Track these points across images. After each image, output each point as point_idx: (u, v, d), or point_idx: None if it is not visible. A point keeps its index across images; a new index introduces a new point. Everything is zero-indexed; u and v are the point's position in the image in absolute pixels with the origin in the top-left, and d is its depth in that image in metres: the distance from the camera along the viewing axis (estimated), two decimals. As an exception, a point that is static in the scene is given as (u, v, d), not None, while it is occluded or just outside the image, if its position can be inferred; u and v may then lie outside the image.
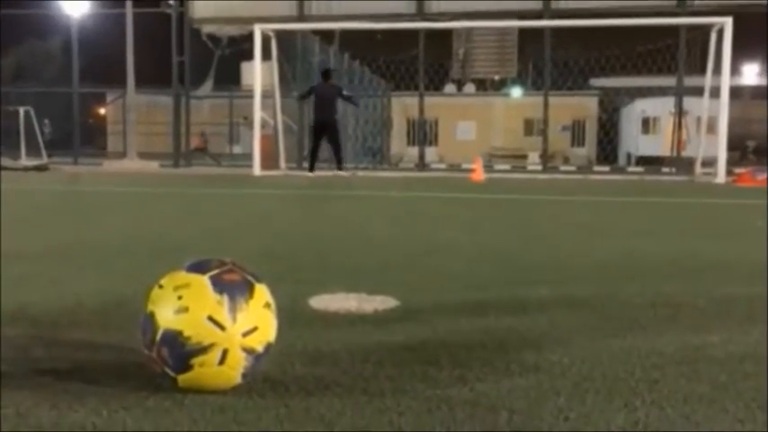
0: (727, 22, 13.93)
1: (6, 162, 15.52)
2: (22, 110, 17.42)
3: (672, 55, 18.87)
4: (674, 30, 18.04)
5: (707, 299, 2.61)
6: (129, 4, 18.42)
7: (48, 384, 1.56)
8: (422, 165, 20.05)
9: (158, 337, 1.46)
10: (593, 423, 1.38)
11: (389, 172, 17.99)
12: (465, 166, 17.64)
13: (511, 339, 2.00)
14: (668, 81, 20.57)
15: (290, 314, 2.05)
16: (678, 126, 19.00)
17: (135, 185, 11.08)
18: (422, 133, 21.00)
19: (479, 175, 13.61)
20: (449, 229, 5.42)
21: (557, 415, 1.41)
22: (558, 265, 3.52)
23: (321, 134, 14.47)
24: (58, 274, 2.71)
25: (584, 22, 16.66)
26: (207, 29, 22.77)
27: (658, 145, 29.02)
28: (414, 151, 24.23)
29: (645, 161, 29.71)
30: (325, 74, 14.77)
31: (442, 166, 23.46)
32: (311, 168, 14.53)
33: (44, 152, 17.51)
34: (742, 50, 20.62)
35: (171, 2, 20.03)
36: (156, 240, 4.37)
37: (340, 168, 14.53)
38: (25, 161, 16.81)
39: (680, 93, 18.46)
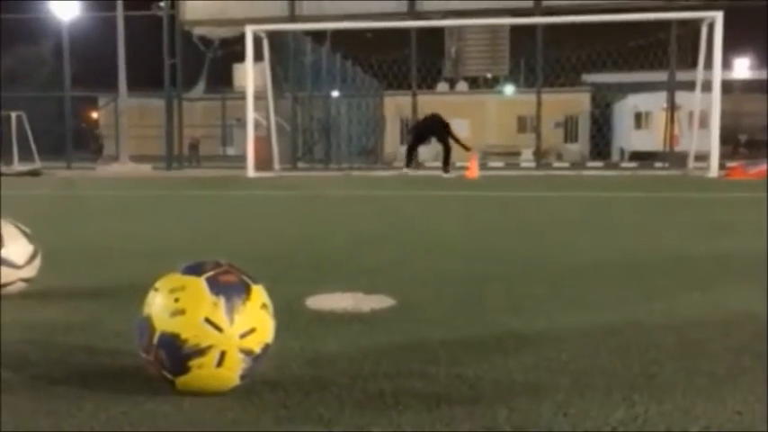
0: (718, 17, 13.98)
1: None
2: (14, 115, 17.34)
3: (663, 50, 18.94)
4: (665, 25, 18.12)
5: (702, 293, 2.62)
6: (119, 7, 18.37)
7: (44, 390, 1.55)
8: (416, 163, 20.04)
9: (155, 339, 1.45)
10: (592, 418, 1.38)
11: (383, 171, 17.98)
12: (459, 164, 17.66)
13: (509, 337, 2.00)
14: (660, 76, 20.62)
15: (287, 315, 2.04)
16: (671, 121, 19.08)
17: (128, 189, 11.05)
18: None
19: (474, 172, 13.62)
20: (444, 226, 5.42)
21: (556, 411, 1.41)
22: (553, 261, 3.52)
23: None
24: (52, 278, 2.70)
25: (575, 19, 16.69)
26: (198, 31, 22.75)
27: (651, 140, 29.10)
28: (407, 150, 24.18)
29: (638, 156, 29.78)
30: None
31: (437, 164, 23.44)
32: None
33: (37, 157, 17.45)
34: (732, 44, 20.66)
35: (162, 4, 20.00)
36: (151, 243, 4.36)
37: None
38: (18, 166, 16.75)
39: (672, 87, 18.53)
